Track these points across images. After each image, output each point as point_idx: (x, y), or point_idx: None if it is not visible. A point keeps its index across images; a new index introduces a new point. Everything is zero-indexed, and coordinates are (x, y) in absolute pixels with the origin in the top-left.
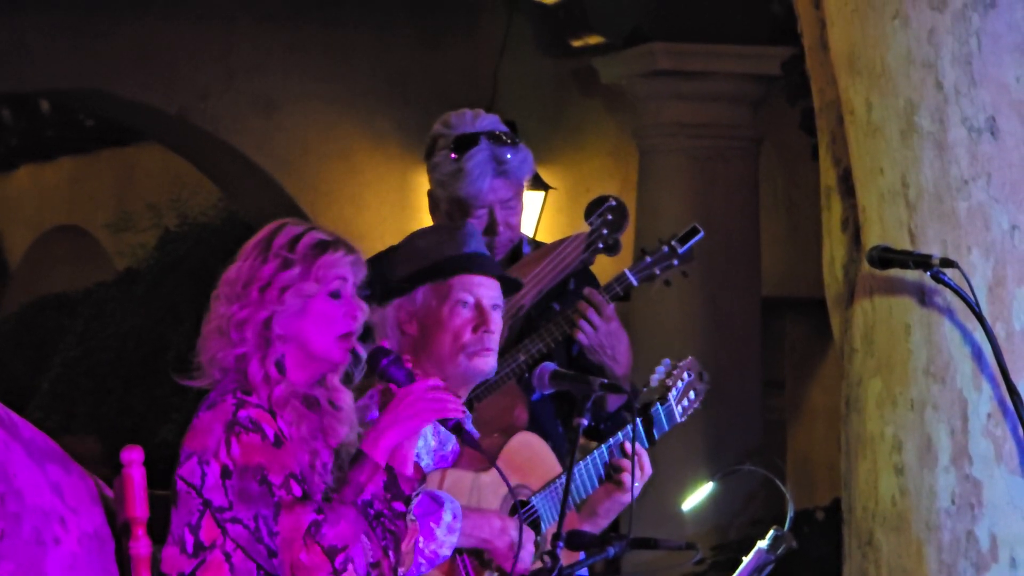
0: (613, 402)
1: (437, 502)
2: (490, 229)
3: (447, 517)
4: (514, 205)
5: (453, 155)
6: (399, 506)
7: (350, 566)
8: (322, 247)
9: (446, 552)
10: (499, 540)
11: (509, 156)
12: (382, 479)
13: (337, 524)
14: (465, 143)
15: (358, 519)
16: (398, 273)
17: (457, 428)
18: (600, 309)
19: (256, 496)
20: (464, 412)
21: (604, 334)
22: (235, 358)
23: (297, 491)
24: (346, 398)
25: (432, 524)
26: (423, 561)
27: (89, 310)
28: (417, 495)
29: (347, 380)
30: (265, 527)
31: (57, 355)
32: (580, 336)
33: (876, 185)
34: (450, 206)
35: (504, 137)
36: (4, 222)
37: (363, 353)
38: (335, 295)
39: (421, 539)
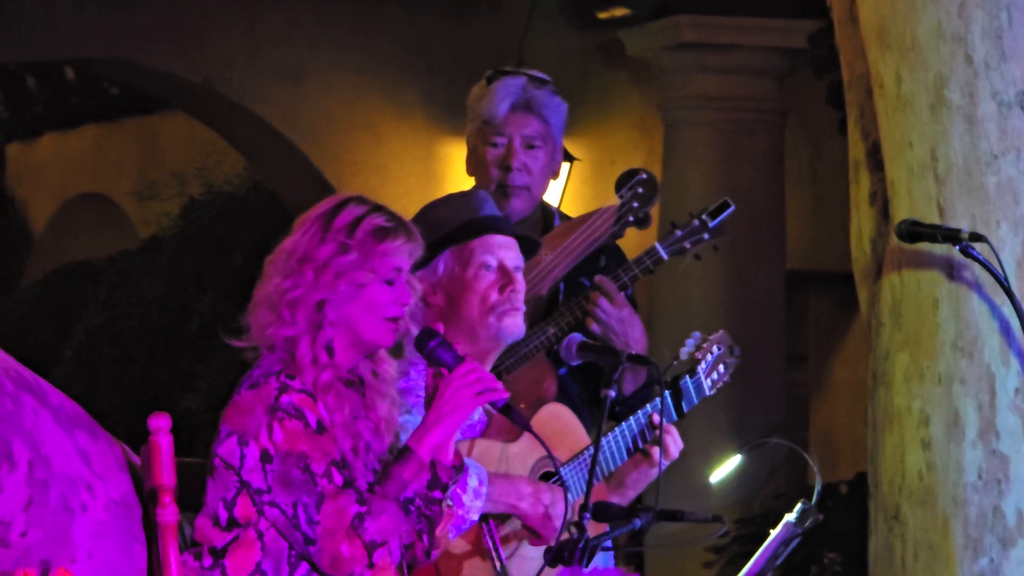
0: (629, 385)
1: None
2: (504, 162)
3: (472, 482)
4: (538, 149)
5: (486, 82)
6: (436, 493)
7: (385, 551)
8: (381, 234)
9: (473, 517)
10: (528, 505)
11: (539, 92)
12: (426, 477)
13: (379, 518)
14: (500, 74)
15: (399, 514)
16: None
17: (507, 408)
18: (611, 296)
19: (298, 483)
20: (506, 393)
21: (616, 321)
22: (284, 339)
23: (338, 479)
24: (390, 370)
25: (458, 490)
26: (451, 527)
27: (113, 278)
28: (454, 482)
29: (398, 352)
30: (304, 514)
31: (81, 323)
32: (592, 325)
33: (905, 159)
34: (476, 139)
35: (542, 81)
36: (28, 190)
37: (414, 332)
38: (389, 282)
39: (450, 502)
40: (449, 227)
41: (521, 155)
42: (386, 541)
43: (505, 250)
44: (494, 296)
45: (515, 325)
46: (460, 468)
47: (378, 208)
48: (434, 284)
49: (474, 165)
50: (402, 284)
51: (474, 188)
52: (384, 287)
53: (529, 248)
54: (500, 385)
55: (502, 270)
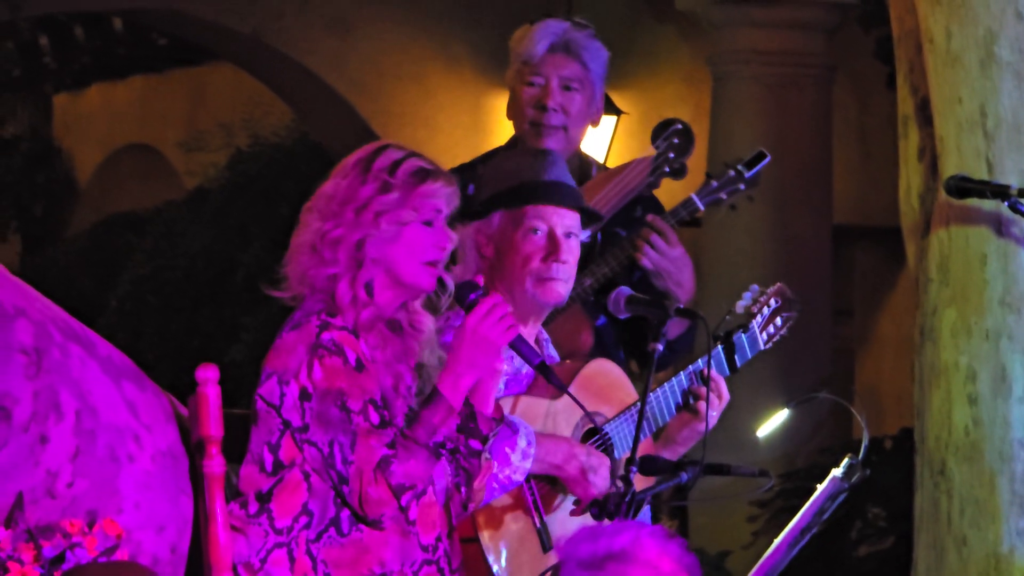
0: (674, 328)
1: (512, 428)
2: (540, 102)
3: (522, 443)
4: (575, 92)
5: (529, 24)
6: (475, 444)
7: (423, 496)
8: (422, 175)
9: (519, 478)
10: (571, 466)
11: (579, 35)
12: (455, 422)
13: (407, 462)
14: (545, 18)
15: (428, 459)
16: (480, 195)
17: (543, 368)
18: (666, 235)
19: (335, 421)
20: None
21: (670, 260)
22: (326, 277)
23: (375, 418)
24: (427, 322)
25: (507, 449)
26: (496, 486)
27: (158, 229)
28: (495, 435)
29: (432, 307)
30: (340, 454)
31: (126, 273)
32: (644, 261)
33: (954, 114)
34: (514, 80)
35: (584, 25)
36: (75, 140)
37: (449, 281)
38: (428, 224)
39: (496, 464)
40: (509, 183)
41: (558, 95)
42: (415, 485)
43: (559, 217)
44: (535, 262)
45: (551, 295)
46: (500, 420)
47: (415, 153)
48: (488, 236)
49: (512, 107)
50: (440, 227)
51: (547, 149)
52: (423, 229)
53: (591, 220)
54: (513, 322)
55: (550, 237)
